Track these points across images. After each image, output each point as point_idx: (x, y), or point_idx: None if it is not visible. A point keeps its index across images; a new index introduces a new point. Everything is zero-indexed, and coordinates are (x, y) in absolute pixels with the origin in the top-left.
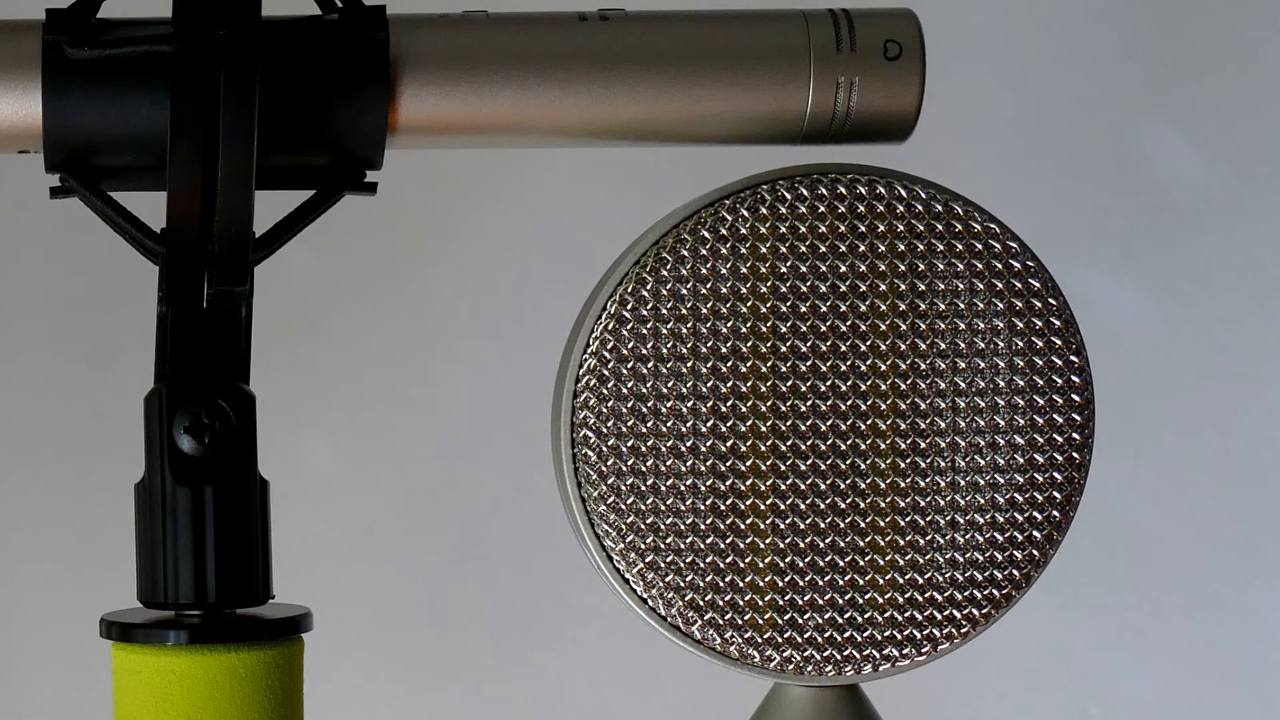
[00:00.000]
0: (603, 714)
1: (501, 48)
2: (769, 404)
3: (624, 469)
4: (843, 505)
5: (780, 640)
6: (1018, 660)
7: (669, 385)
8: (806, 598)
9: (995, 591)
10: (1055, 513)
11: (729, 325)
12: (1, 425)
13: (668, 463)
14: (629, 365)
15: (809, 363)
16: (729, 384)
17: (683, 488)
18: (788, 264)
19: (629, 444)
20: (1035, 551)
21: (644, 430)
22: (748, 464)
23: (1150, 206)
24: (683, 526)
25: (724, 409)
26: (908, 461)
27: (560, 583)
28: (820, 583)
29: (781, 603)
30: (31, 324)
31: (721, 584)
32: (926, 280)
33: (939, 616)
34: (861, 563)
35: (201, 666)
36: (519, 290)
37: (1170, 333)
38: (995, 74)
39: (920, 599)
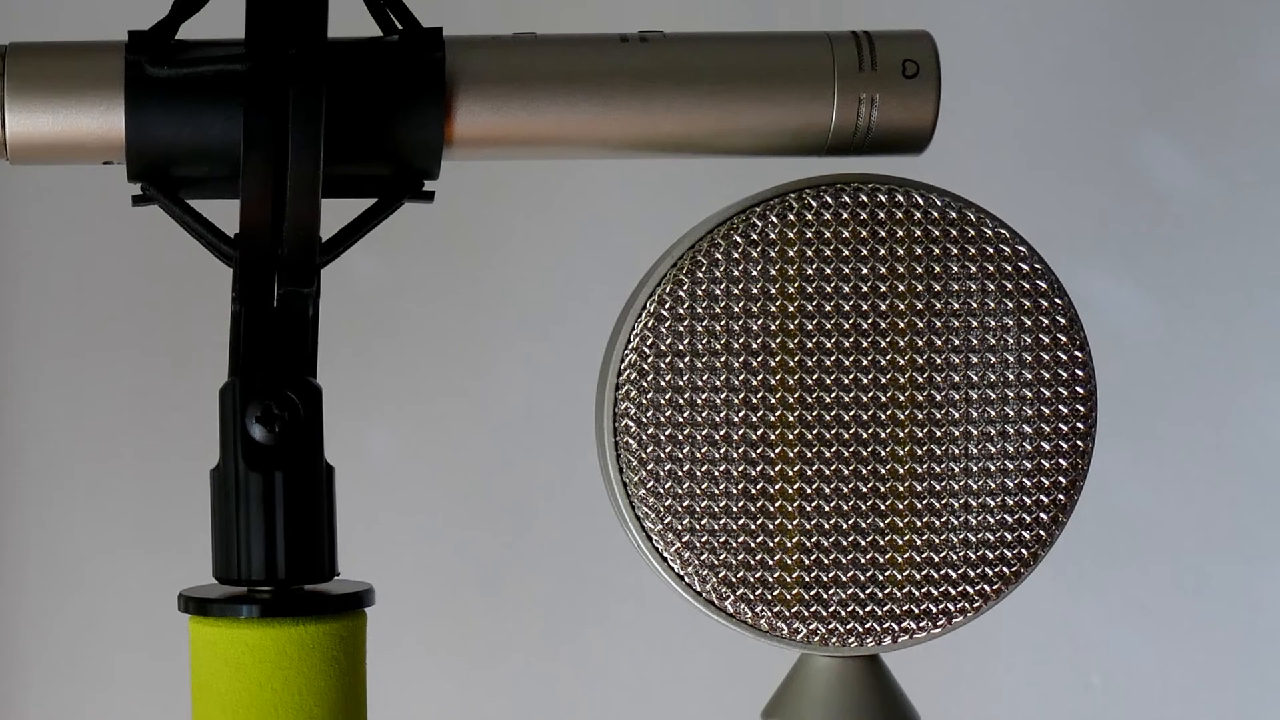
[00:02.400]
0: (643, 683)
1: (549, 67)
2: (796, 396)
3: (662, 456)
4: (864, 489)
5: (807, 614)
6: (1025, 633)
7: (703, 378)
8: (831, 575)
9: (1005, 569)
10: (1060, 496)
11: (759, 323)
12: (89, 417)
13: (702, 450)
14: (667, 360)
15: (833, 358)
16: (759, 377)
17: (716, 473)
18: (813, 266)
19: (667, 433)
20: (1042, 532)
21: (681, 420)
22: (776, 451)
23: (1148, 213)
24: (716, 509)
25: (754, 400)
26: (924, 449)
27: (603, 562)
28: (843, 561)
29: (808, 579)
30: (116, 323)
31: (752, 562)
32: (941, 281)
33: (953, 592)
34: (881, 542)
35: (272, 638)
36: (565, 290)
37: (1167, 330)
38: (1005, 91)
39: (936, 576)
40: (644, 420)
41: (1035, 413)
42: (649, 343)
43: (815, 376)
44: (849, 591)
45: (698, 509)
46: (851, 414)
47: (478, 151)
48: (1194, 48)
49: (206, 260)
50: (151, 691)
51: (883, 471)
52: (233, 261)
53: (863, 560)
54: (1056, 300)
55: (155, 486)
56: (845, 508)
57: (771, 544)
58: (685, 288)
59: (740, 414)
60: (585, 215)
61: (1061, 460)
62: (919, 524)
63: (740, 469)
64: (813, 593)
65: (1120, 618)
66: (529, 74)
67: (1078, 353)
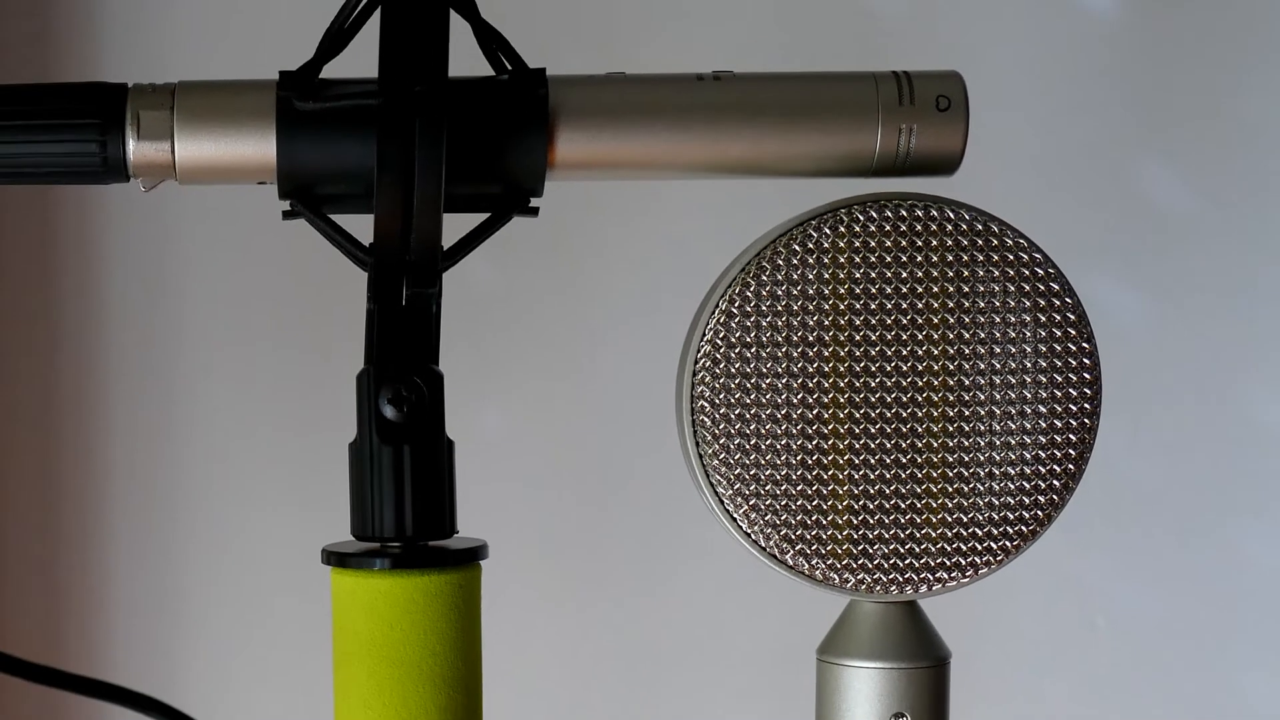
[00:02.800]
0: (716, 623)
1: (636, 102)
2: (845, 381)
3: (732, 432)
4: (904, 460)
5: (855, 566)
6: (1041, 582)
7: (767, 366)
8: (875, 533)
9: (1023, 528)
10: (1070, 466)
11: (814, 319)
12: (249, 400)
13: (766, 427)
14: (736, 350)
15: (877, 349)
16: (814, 365)
17: (778, 446)
18: (860, 271)
19: (736, 412)
20: (1054, 496)
21: (748, 401)
22: (829, 428)
23: (1145, 227)
24: (778, 476)
25: (810, 385)
26: (954, 426)
27: (683, 521)
28: (886, 521)
29: (855, 536)
30: (270, 320)
31: (808, 521)
32: (969, 284)
33: (979, 547)
34: (918, 505)
35: (401, 586)
36: (649, 291)
37: (1161, 326)
38: (1024, 121)
39: (965, 533)
40: (717, 402)
41: (1049, 395)
42: (721, 336)
43: (861, 365)
44: (890, 547)
45: (762, 477)
46: (892, 396)
47: (576, 173)
48: (1185, 86)
49: (345, 266)
50: (302, 630)
51: (919, 445)
52: (368, 267)
53: (902, 520)
54: (1067, 300)
55: (303, 458)
56: (887, 476)
57: (825, 506)
58: (752, 289)
59: (798, 396)
60: (666, 228)
61: (1071, 435)
62: (950, 489)
63: (798, 443)
64: (860, 548)
65: (1121, 569)
66: (619, 108)
67: (1085, 344)
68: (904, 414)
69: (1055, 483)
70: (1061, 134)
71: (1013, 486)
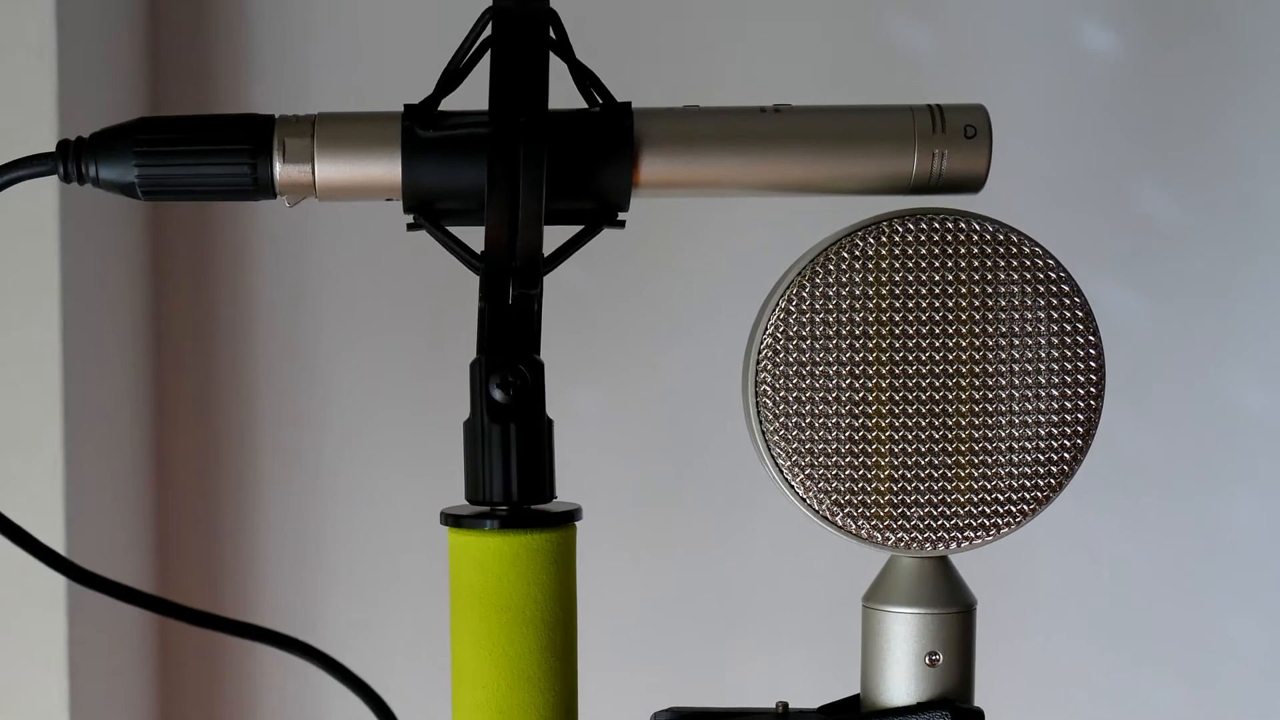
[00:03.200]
0: (776, 574)
1: (709, 131)
2: (887, 369)
3: (790, 411)
4: (937, 436)
5: (895, 526)
6: (1054, 541)
7: (820, 356)
8: (912, 498)
9: (1039, 494)
10: (1079, 440)
11: (860, 316)
12: (380, 385)
13: (819, 408)
14: (793, 343)
15: (914, 341)
16: (860, 355)
17: (829, 424)
18: (899, 275)
19: (793, 395)
20: (1065, 467)
21: (803, 386)
22: (873, 409)
23: (1143, 236)
24: (829, 450)
25: (856, 371)
26: (980, 407)
27: (747, 488)
28: (921, 488)
29: (895, 501)
30: (397, 317)
31: (855, 489)
32: (992, 285)
33: (1001, 510)
34: (950, 474)
35: (508, 544)
36: (718, 292)
37: (1156, 322)
38: (1039, 147)
39: (989, 499)
40: (776, 386)
41: (1060, 380)
42: (780, 330)
43: (900, 355)
44: (925, 510)
45: (816, 450)
46: (927, 381)
47: (656, 192)
48: (1176, 119)
49: (460, 270)
50: (423, 581)
51: (949, 423)
52: (479, 271)
53: (935, 487)
54: (1076, 299)
55: (424, 435)
56: (923, 449)
57: (869, 476)
58: (806, 290)
59: (846, 381)
60: (732, 238)
61: (1079, 415)
62: (976, 461)
63: (846, 421)
64: (899, 511)
65: (1121, 529)
66: (694, 136)
67: (1091, 337)
68: (936, 396)
69: (1066, 455)
70: (1070, 158)
71: (1030, 458)
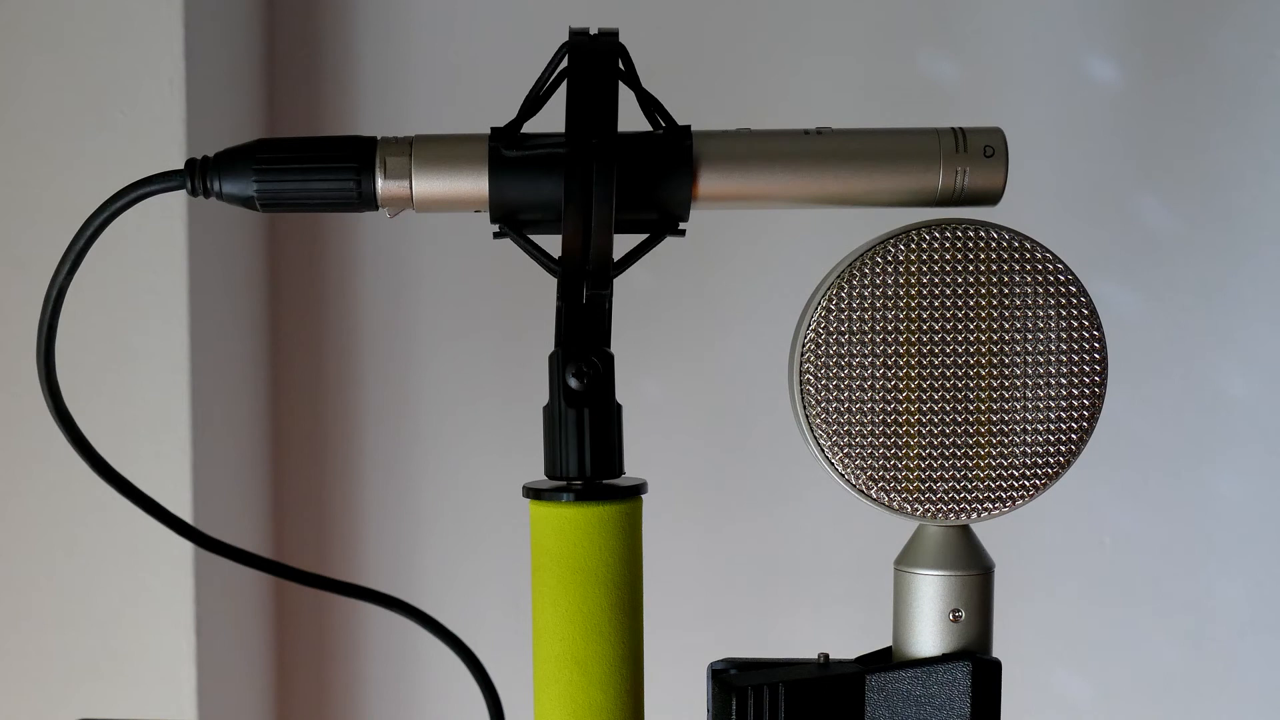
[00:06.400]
0: (818, 541)
1: (759, 150)
2: (915, 360)
3: (830, 398)
4: (959, 419)
5: (922, 498)
6: (1062, 511)
7: (856, 349)
8: (938, 474)
9: (1049, 470)
10: (1085, 424)
11: (891, 314)
12: (468, 377)
13: (855, 394)
14: (833, 337)
15: (939, 335)
16: (891, 349)
17: (864, 408)
18: (926, 277)
19: (833, 383)
20: (1073, 446)
21: (842, 375)
22: (903, 395)
23: (1142, 243)
24: (865, 431)
25: (889, 363)
26: (997, 394)
27: (792, 464)
28: (946, 465)
29: (923, 476)
30: (484, 315)
31: (888, 465)
32: (1008, 286)
33: (1016, 485)
34: (971, 453)
35: (583, 514)
36: (768, 292)
37: (1153, 318)
38: (1048, 164)
39: (1005, 475)
40: (818, 375)
41: (1069, 369)
42: (821, 326)
43: (927, 348)
44: (949, 485)
45: (853, 431)
46: (950, 371)
47: (714, 204)
48: (1169, 139)
49: (540, 274)
50: (507, 546)
51: (970, 408)
52: (557, 274)
53: (958, 465)
54: (1082, 299)
55: (508, 418)
56: (947, 431)
57: (900, 454)
58: (845, 290)
59: (879, 371)
60: (779, 245)
61: (1085, 400)
62: (993, 441)
63: (879, 406)
64: (926, 485)
65: (1123, 501)
66: (746, 155)
67: (1095, 332)
68: (959, 385)
69: (1073, 436)
70: (1077, 174)
71: (1041, 439)
